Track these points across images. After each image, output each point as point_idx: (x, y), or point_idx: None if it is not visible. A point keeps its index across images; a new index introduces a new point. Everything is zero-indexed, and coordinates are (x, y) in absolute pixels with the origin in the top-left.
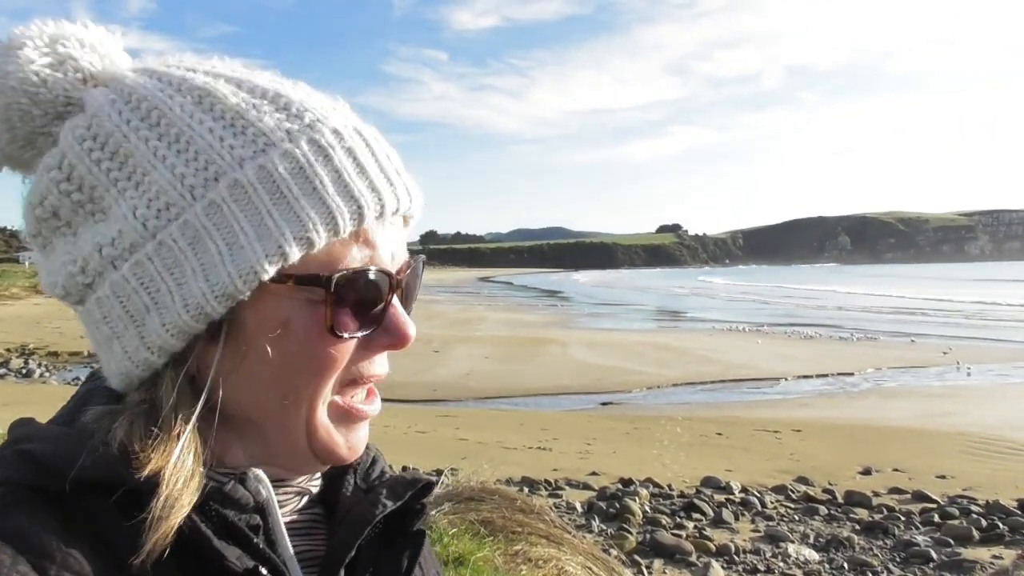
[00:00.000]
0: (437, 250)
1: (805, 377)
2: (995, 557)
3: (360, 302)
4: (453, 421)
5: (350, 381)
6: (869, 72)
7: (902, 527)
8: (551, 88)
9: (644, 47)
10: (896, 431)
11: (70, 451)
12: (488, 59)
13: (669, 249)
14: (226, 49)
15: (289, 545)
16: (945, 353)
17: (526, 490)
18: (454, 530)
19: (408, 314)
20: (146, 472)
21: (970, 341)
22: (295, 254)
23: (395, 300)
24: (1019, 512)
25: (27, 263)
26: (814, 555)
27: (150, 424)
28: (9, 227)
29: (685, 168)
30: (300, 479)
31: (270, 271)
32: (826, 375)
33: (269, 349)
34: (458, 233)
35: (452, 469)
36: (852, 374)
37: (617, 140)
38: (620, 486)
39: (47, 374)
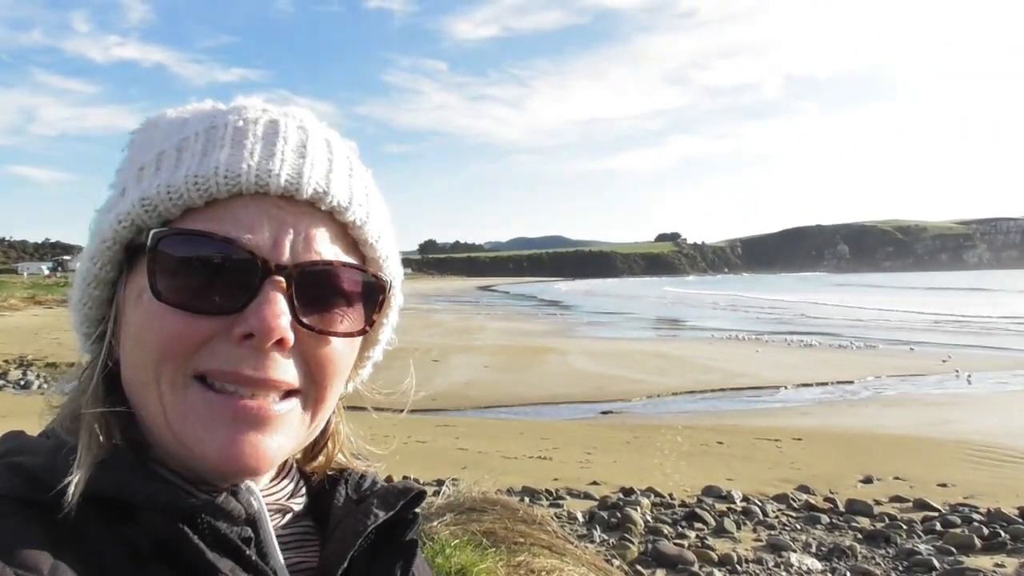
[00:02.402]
0: (436, 259)
1: (805, 385)
2: (997, 565)
3: (195, 269)
4: (453, 431)
5: (209, 370)
6: (868, 81)
7: (904, 536)
8: (551, 98)
9: (643, 57)
10: (896, 439)
11: (62, 464)
12: (488, 69)
13: (668, 258)
14: (226, 60)
15: (280, 556)
16: (944, 361)
17: (527, 500)
18: (456, 541)
19: (321, 326)
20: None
21: (969, 349)
22: (140, 215)
23: (268, 288)
24: (1021, 520)
25: (25, 274)
26: (816, 564)
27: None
28: (7, 238)
29: (684, 177)
30: (280, 494)
31: (119, 228)
32: (826, 383)
33: (130, 321)
34: (457, 242)
35: (453, 479)
36: (852, 382)
37: (616, 149)
38: (621, 495)
39: (45, 385)
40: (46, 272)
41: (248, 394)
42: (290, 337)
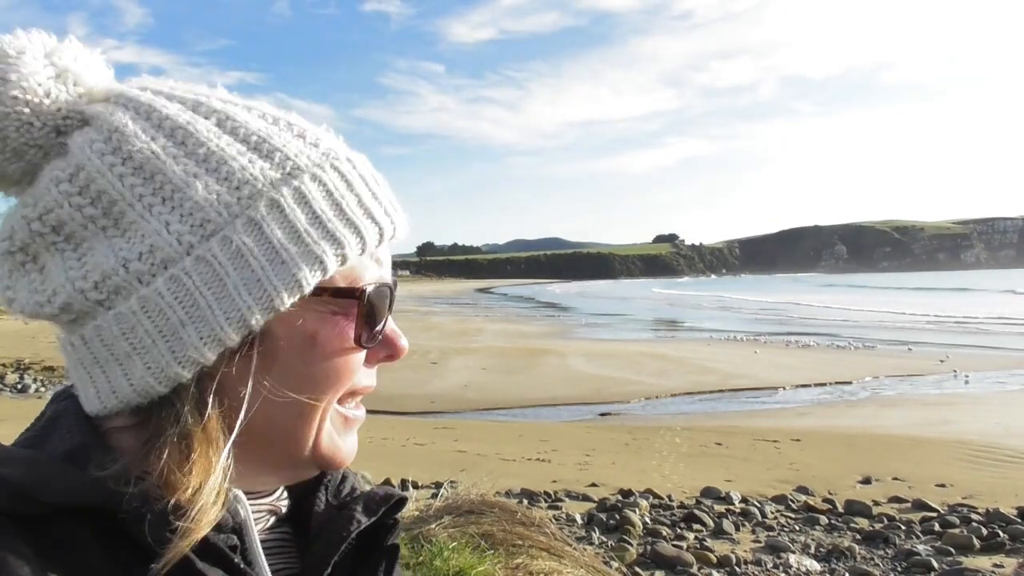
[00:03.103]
0: (434, 261)
1: (803, 386)
2: (996, 566)
3: (374, 315)
4: (451, 433)
5: (351, 392)
6: (864, 82)
7: (903, 536)
8: (548, 100)
9: (640, 58)
10: (895, 439)
11: (43, 475)
12: (485, 71)
13: (666, 259)
14: (223, 63)
15: (265, 564)
16: (942, 361)
17: (525, 502)
18: (454, 543)
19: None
20: (189, 492)
21: (967, 349)
22: (332, 268)
23: (390, 315)
24: (1019, 520)
25: None
26: (815, 565)
27: (181, 444)
28: None
29: (681, 178)
30: (272, 496)
31: (312, 283)
32: (824, 384)
33: (296, 361)
34: (455, 244)
35: (451, 482)
36: (850, 383)
37: (613, 151)
38: (620, 497)
39: (43, 389)
40: None
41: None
42: None
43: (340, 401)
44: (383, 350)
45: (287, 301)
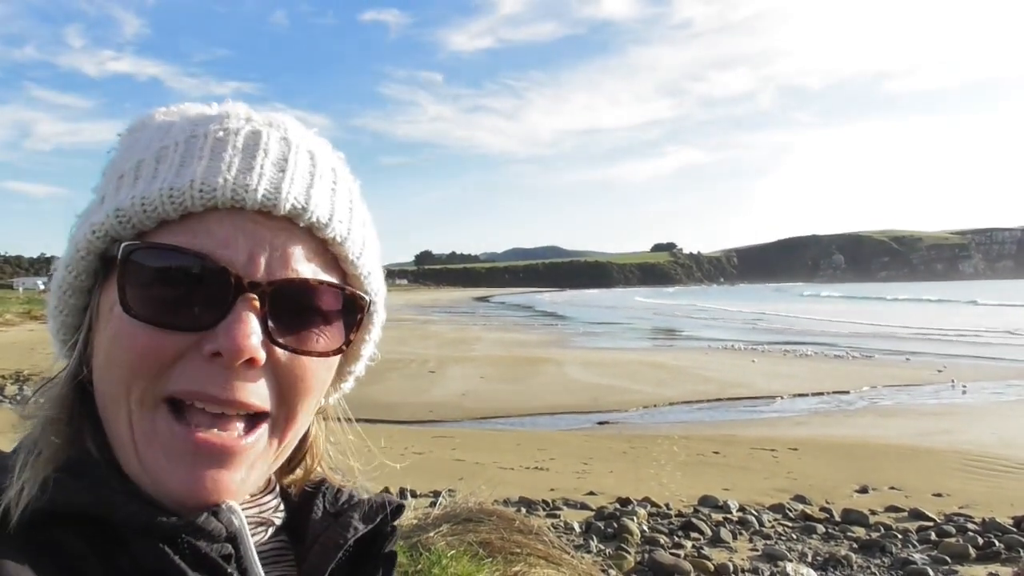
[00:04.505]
0: (432, 270)
1: (801, 395)
2: (991, 575)
3: (167, 284)
4: (450, 442)
5: (178, 392)
6: (864, 93)
7: (899, 545)
8: (546, 109)
9: (638, 68)
10: (892, 449)
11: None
12: (483, 80)
13: (664, 268)
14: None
15: (262, 572)
16: (940, 371)
17: (524, 510)
18: (452, 552)
19: (295, 344)
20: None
21: (964, 359)
22: (115, 226)
23: (240, 305)
24: (1015, 530)
25: (21, 289)
26: (812, 574)
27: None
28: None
29: (679, 187)
30: (260, 508)
31: (92, 239)
32: (822, 393)
33: (101, 333)
34: (453, 253)
35: (450, 490)
36: (848, 392)
37: (612, 160)
38: (618, 505)
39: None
40: (42, 287)
41: (213, 423)
42: (261, 356)
43: (179, 408)
44: (210, 342)
45: (82, 248)
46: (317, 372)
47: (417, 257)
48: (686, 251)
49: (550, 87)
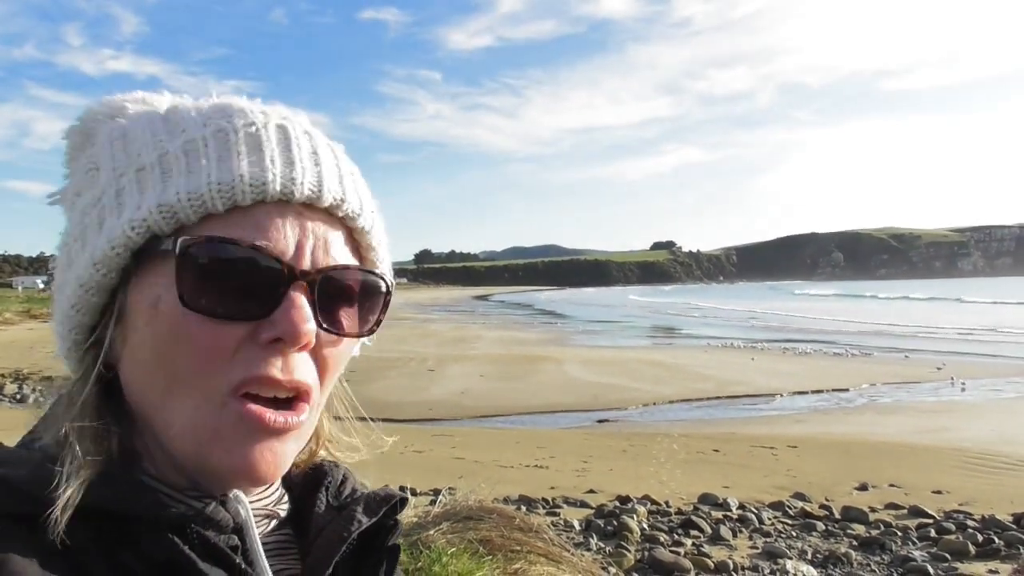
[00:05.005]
0: (431, 269)
1: (800, 393)
2: (991, 572)
3: (223, 276)
4: (449, 440)
5: (244, 380)
6: (863, 91)
7: (899, 542)
8: (545, 107)
9: (637, 66)
10: (892, 446)
11: (46, 475)
12: (482, 79)
13: (663, 266)
14: (220, 72)
15: (267, 565)
16: (939, 368)
17: (524, 508)
18: (452, 549)
19: (337, 328)
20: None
21: (964, 357)
22: (157, 221)
23: (294, 293)
24: (1015, 527)
25: (20, 288)
26: (812, 571)
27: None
28: (2, 253)
29: (679, 186)
30: (264, 501)
31: (132, 235)
32: (821, 391)
33: (144, 329)
34: (452, 251)
35: (450, 488)
36: (847, 390)
37: (611, 158)
38: (618, 503)
39: (42, 399)
40: (41, 286)
41: (270, 404)
42: (314, 340)
43: (239, 393)
44: (269, 330)
45: (114, 253)
46: (348, 354)
47: (416, 256)
48: (685, 249)
49: (549, 85)
